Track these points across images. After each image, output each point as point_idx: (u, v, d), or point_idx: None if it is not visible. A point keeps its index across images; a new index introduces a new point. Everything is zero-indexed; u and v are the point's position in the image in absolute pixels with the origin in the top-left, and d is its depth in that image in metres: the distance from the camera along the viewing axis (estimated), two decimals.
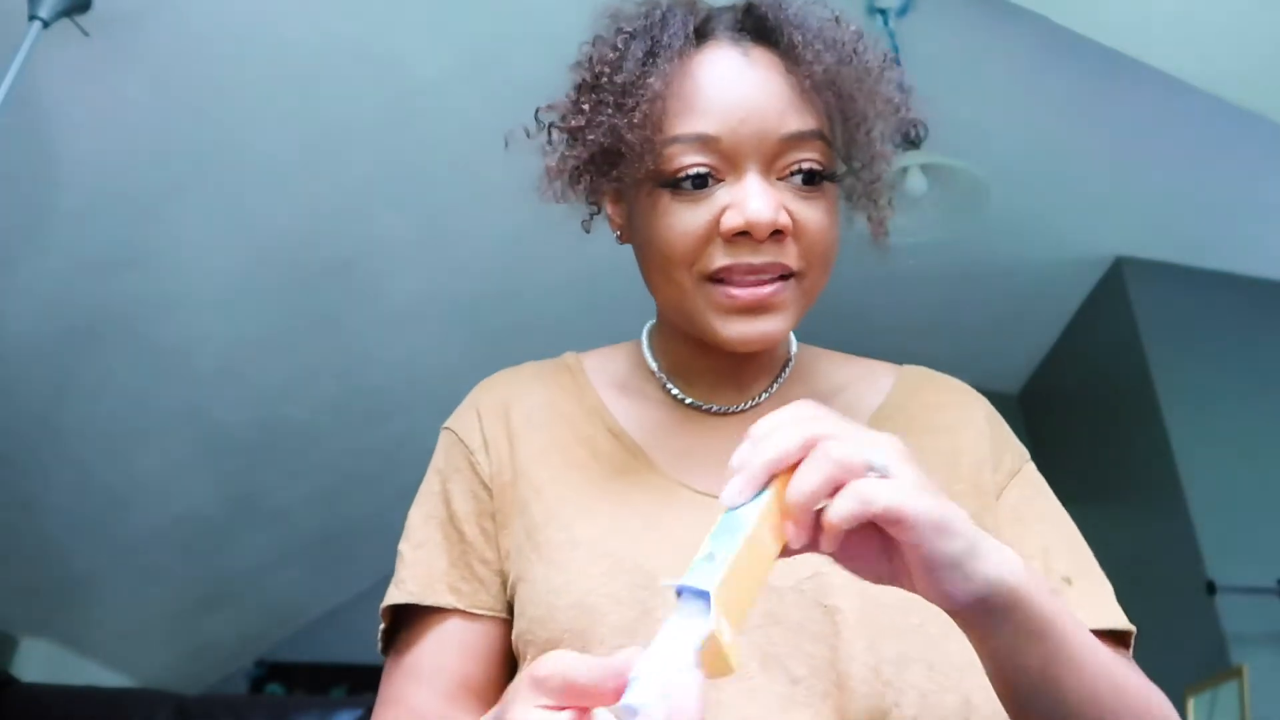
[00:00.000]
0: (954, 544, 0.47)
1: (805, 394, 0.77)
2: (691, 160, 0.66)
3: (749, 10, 0.71)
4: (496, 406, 0.77)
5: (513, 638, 0.69)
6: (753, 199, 0.65)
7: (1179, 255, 3.14)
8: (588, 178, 0.71)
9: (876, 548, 0.49)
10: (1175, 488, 2.77)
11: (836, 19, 0.71)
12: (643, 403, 0.77)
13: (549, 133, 0.73)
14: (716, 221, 0.66)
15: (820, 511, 0.47)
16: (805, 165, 0.67)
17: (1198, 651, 2.56)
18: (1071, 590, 0.69)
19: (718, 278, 0.67)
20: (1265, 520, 2.70)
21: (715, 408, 0.76)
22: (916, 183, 2.16)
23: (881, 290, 3.05)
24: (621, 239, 0.75)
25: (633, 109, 0.66)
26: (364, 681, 3.67)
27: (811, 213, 0.67)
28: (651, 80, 0.66)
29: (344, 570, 3.89)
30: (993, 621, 0.50)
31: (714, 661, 0.44)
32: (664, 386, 0.77)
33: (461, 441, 0.76)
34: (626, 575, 0.64)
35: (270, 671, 4.18)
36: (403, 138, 2.49)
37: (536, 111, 0.74)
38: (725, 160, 0.66)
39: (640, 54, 0.68)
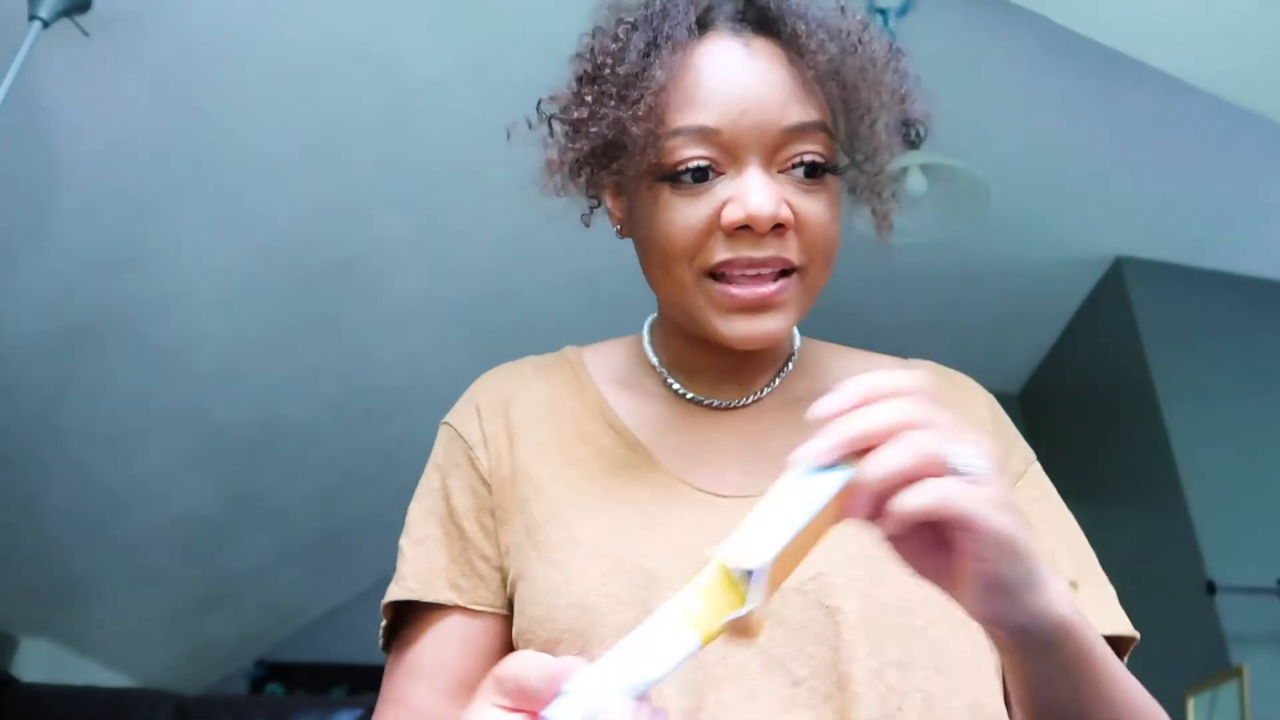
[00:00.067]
0: (1016, 569, 0.46)
1: (809, 389, 0.76)
2: (692, 153, 0.65)
3: (750, 0, 0.70)
4: (496, 402, 0.76)
5: (513, 636, 0.69)
6: (754, 192, 0.64)
7: (1179, 255, 3.14)
8: (588, 170, 0.70)
9: (934, 542, 0.47)
10: (1175, 488, 2.77)
11: (842, 8, 0.70)
12: (644, 398, 0.76)
13: (550, 125, 0.72)
14: (717, 215, 0.65)
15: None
16: (807, 158, 0.66)
17: (1198, 651, 2.56)
18: (1077, 594, 0.68)
19: (718, 273, 0.66)
20: (1265, 520, 2.70)
21: (717, 403, 0.75)
22: (916, 183, 2.16)
23: (881, 290, 3.05)
24: (622, 233, 0.75)
25: (636, 101, 0.65)
26: (364, 681, 3.67)
27: (813, 206, 0.66)
28: (654, 71, 0.65)
29: (344, 570, 3.89)
30: (1034, 652, 0.50)
31: (744, 630, 0.44)
32: (665, 381, 0.77)
33: (461, 437, 0.75)
34: (627, 575, 0.63)
35: (270, 671, 4.18)
36: (403, 138, 2.49)
37: (539, 103, 0.73)
38: (726, 153, 0.65)
39: (642, 45, 0.67)
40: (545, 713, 0.43)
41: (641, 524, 0.67)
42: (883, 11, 2.24)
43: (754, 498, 0.67)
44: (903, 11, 2.25)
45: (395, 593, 0.72)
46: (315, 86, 2.35)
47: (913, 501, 0.44)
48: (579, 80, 0.70)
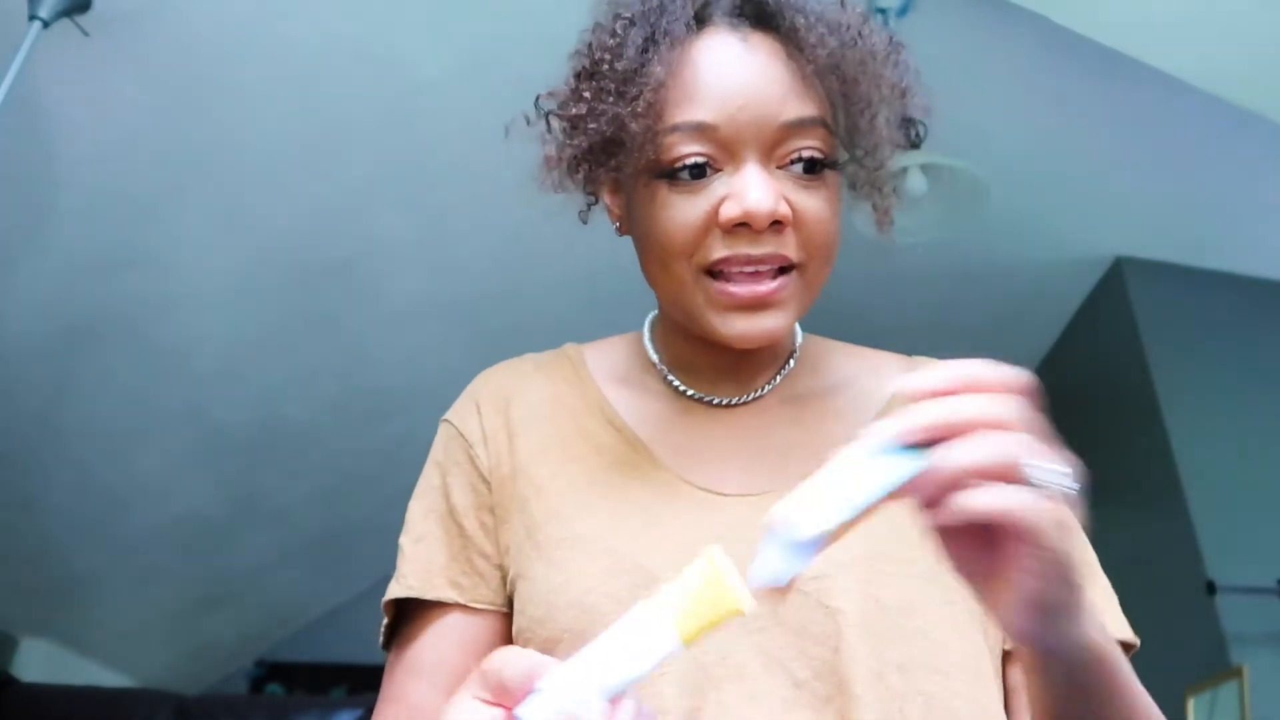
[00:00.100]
0: (1062, 593, 0.45)
1: (812, 386, 0.76)
2: (689, 150, 0.64)
3: None
4: (496, 399, 0.76)
5: (513, 634, 0.68)
6: (751, 189, 0.63)
7: (1179, 255, 3.14)
8: (586, 167, 0.69)
9: (983, 544, 0.46)
10: (1175, 488, 2.77)
11: (841, 2, 0.69)
12: (644, 395, 0.76)
13: (548, 121, 0.71)
14: (715, 212, 0.64)
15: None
16: (806, 153, 0.65)
17: (1198, 651, 2.56)
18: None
19: (716, 270, 0.66)
20: (1265, 520, 2.70)
21: (718, 400, 0.74)
22: (916, 183, 2.16)
23: (881, 290, 3.05)
24: (620, 230, 0.74)
25: (635, 97, 0.64)
26: (364, 681, 3.67)
27: (812, 202, 0.66)
28: (653, 67, 0.65)
29: (344, 570, 3.89)
30: (1059, 674, 0.50)
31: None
32: (665, 379, 0.76)
33: (461, 435, 0.75)
34: (626, 574, 0.63)
35: (270, 671, 4.18)
36: (403, 138, 2.49)
37: (537, 99, 0.72)
38: (723, 149, 0.65)
39: (639, 40, 0.66)
40: (517, 711, 0.43)
41: (642, 523, 0.66)
42: (883, 11, 2.24)
43: (755, 496, 0.67)
44: (903, 11, 2.25)
45: (395, 590, 0.72)
46: (315, 86, 2.35)
47: (980, 501, 0.43)
48: (577, 76, 0.70)
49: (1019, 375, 0.46)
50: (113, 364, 2.79)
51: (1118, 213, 3.02)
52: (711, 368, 0.75)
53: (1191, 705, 2.49)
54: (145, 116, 2.30)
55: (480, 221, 2.67)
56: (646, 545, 0.65)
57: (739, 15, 0.68)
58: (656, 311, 0.79)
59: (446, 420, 0.78)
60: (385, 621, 0.73)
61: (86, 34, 2.02)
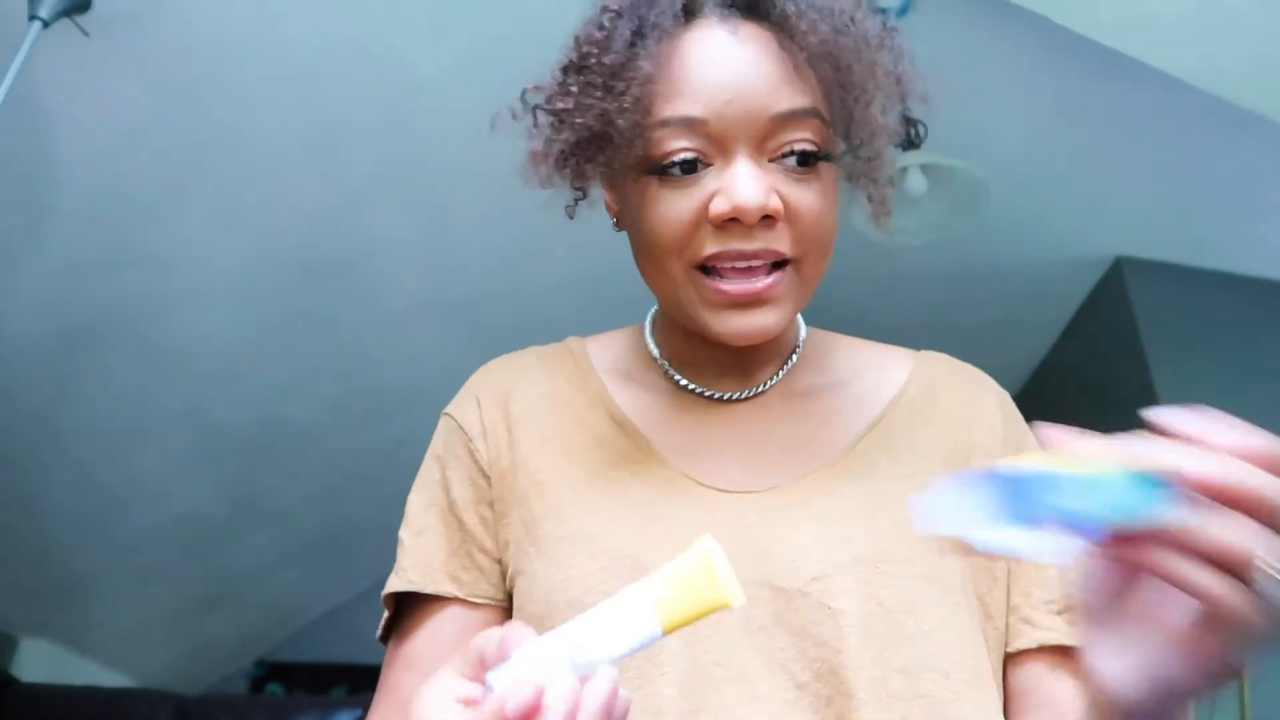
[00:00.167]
0: (1203, 691, 0.42)
1: (815, 381, 0.75)
2: (678, 145, 0.63)
3: None
4: (496, 394, 0.75)
5: None
6: (741, 183, 0.62)
7: (1179, 255, 3.14)
8: (574, 162, 0.68)
9: (1140, 594, 0.43)
10: None
11: None
12: (646, 390, 0.75)
13: (535, 115, 0.70)
14: (705, 207, 0.63)
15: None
16: (798, 146, 0.64)
17: None
18: None
19: (709, 266, 0.65)
20: None
21: (719, 395, 0.73)
22: (916, 183, 2.16)
23: (881, 290, 3.05)
24: (617, 226, 0.73)
25: (622, 92, 0.63)
26: (364, 681, 3.67)
27: (806, 196, 0.64)
28: (641, 62, 0.63)
29: (344, 570, 3.89)
30: None
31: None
32: (666, 373, 0.75)
33: (461, 428, 0.74)
34: (626, 574, 0.63)
35: (270, 671, 4.18)
36: (403, 138, 2.49)
37: (523, 92, 0.71)
38: (714, 144, 0.63)
39: (627, 34, 0.65)
40: (487, 676, 0.43)
41: (642, 520, 0.66)
42: (883, 11, 2.24)
43: (757, 493, 0.67)
44: (903, 11, 2.25)
45: (395, 584, 0.71)
46: (315, 86, 2.35)
47: (1202, 582, 0.38)
48: (564, 70, 0.68)
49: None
50: (113, 364, 2.79)
51: (1118, 213, 3.02)
52: (712, 363, 0.74)
53: (1191, 705, 2.49)
54: (145, 116, 2.30)
55: (480, 221, 2.67)
56: (647, 544, 0.64)
57: (729, 6, 0.66)
58: (658, 306, 0.78)
59: (447, 414, 0.77)
60: (386, 615, 0.72)
61: (86, 34, 2.02)
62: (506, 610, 0.70)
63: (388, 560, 0.75)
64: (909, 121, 2.26)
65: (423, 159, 2.54)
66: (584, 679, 0.42)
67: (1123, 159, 2.80)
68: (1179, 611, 0.41)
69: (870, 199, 0.71)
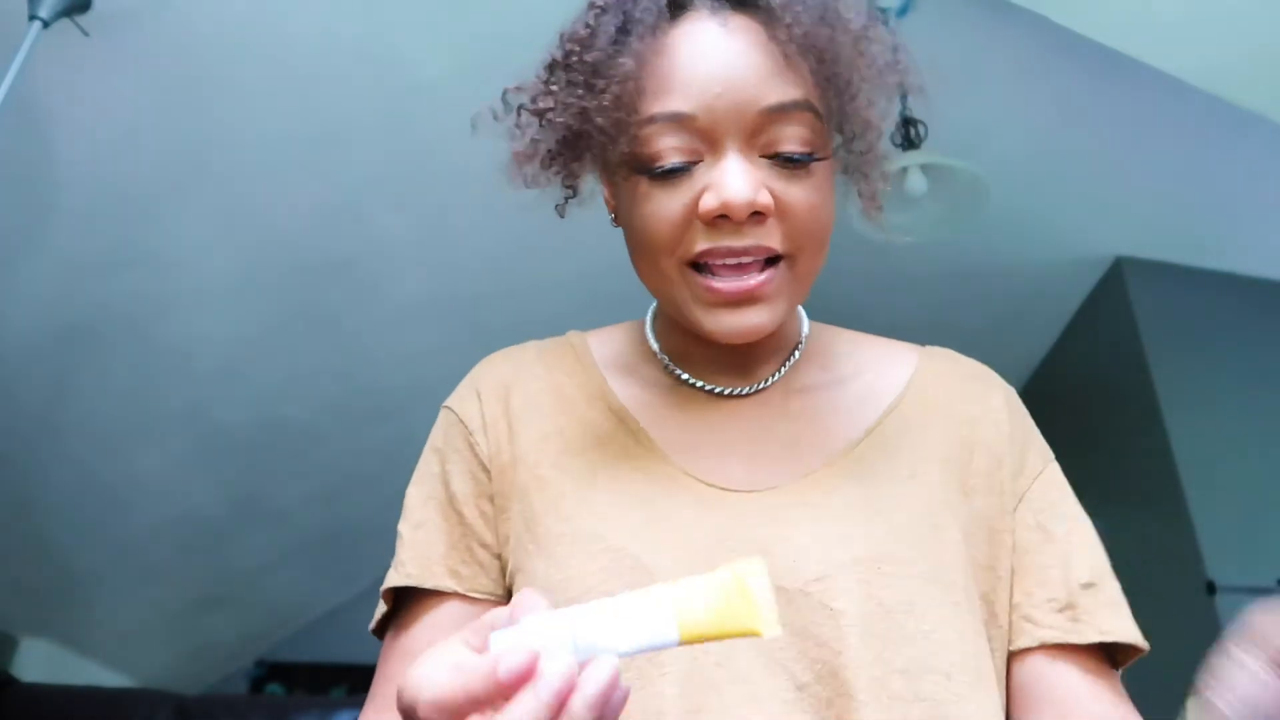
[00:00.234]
0: None
1: (817, 378, 0.74)
2: (668, 143, 0.62)
3: None
4: (497, 388, 0.75)
5: None
6: (730, 179, 0.61)
7: (1179, 255, 3.14)
8: (561, 161, 0.67)
9: None
10: (1175, 488, 2.77)
11: None
12: (647, 384, 0.74)
13: (519, 115, 0.68)
14: (695, 204, 0.62)
15: None
16: (789, 141, 0.62)
17: (1198, 651, 2.55)
18: (1091, 598, 0.66)
19: (701, 263, 0.64)
20: (1265, 520, 2.70)
21: (721, 390, 0.73)
22: (916, 183, 2.16)
23: (881, 290, 3.05)
24: (615, 222, 0.72)
25: (602, 90, 0.62)
26: (364, 681, 3.65)
27: (798, 191, 0.63)
28: (623, 59, 0.62)
29: (344, 570, 3.89)
30: None
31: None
32: (667, 368, 0.74)
33: (461, 422, 0.74)
34: (626, 573, 0.62)
35: (270, 671, 4.18)
36: (403, 138, 2.49)
37: (504, 92, 0.69)
38: (704, 139, 0.62)
39: (612, 30, 0.63)
40: (491, 636, 0.43)
41: (642, 519, 0.65)
42: (883, 11, 2.24)
43: (758, 493, 0.66)
44: (903, 11, 2.25)
45: (394, 579, 0.70)
46: (315, 86, 2.35)
47: None
48: (548, 68, 0.67)
49: None
50: (113, 364, 2.79)
51: (1118, 213, 3.02)
52: (712, 360, 0.73)
53: (1191, 705, 2.49)
54: (145, 116, 2.30)
55: (480, 221, 2.67)
56: (647, 543, 0.64)
57: None
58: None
59: (447, 407, 0.76)
60: (384, 610, 0.71)
61: (86, 34, 2.02)
62: (505, 605, 0.70)
63: (388, 560, 0.74)
64: (909, 121, 2.26)
65: (423, 159, 2.54)
66: (583, 663, 0.41)
67: (1123, 159, 2.80)
68: None
69: (860, 194, 0.70)
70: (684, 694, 0.59)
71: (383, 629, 0.73)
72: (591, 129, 0.63)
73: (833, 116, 0.65)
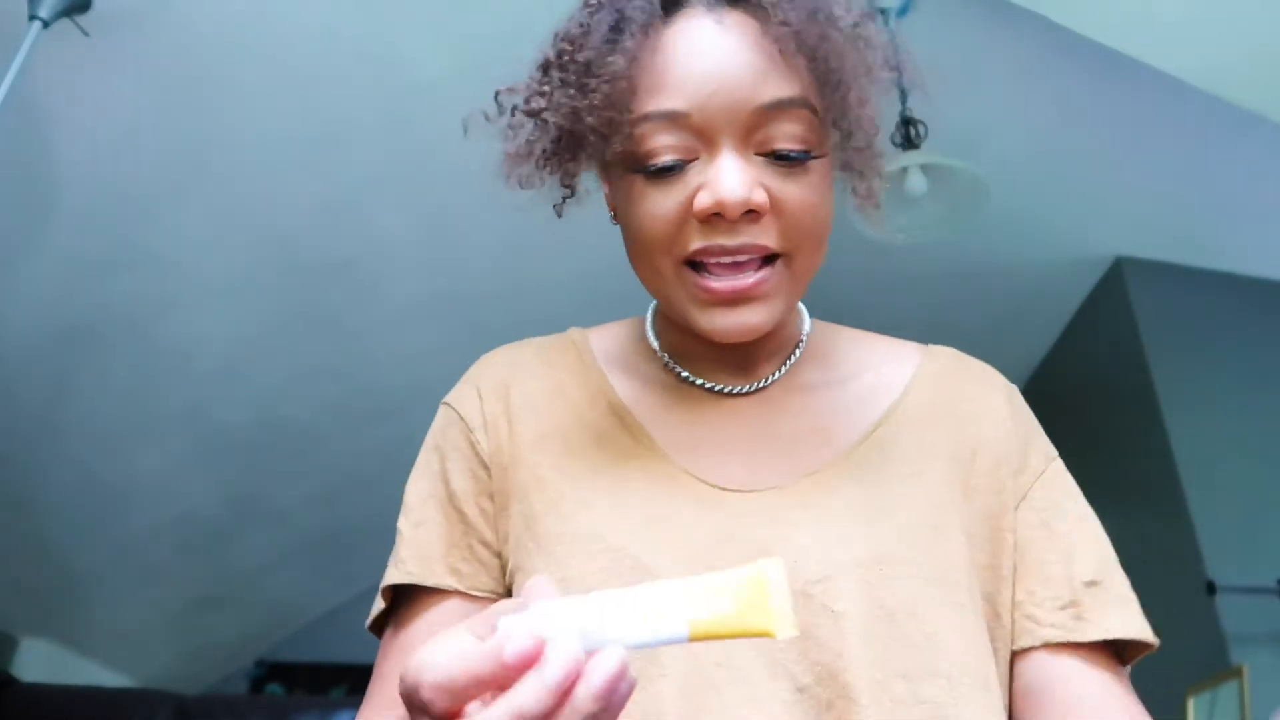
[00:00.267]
0: None
1: (819, 377, 0.74)
2: (662, 141, 0.62)
3: None
4: (497, 385, 0.74)
5: None
6: (724, 177, 0.60)
7: (1179, 255, 3.14)
8: (557, 161, 0.66)
9: None
10: (1175, 488, 2.77)
11: None
12: (647, 381, 0.74)
13: (512, 114, 0.68)
14: (690, 202, 0.62)
15: None
16: (784, 138, 0.62)
17: (1198, 651, 2.56)
18: (1094, 596, 0.66)
19: (697, 262, 0.64)
20: (1265, 520, 2.69)
21: (721, 387, 0.72)
22: (916, 183, 2.16)
23: (881, 290, 3.05)
24: (615, 220, 0.72)
25: (594, 90, 0.62)
26: (364, 681, 3.63)
27: (794, 189, 0.62)
28: (617, 57, 0.61)
29: (344, 570, 3.89)
30: None
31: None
32: (668, 366, 0.74)
33: (462, 419, 0.73)
34: (626, 573, 0.62)
35: (270, 671, 4.18)
36: (403, 138, 2.49)
37: (496, 94, 0.69)
38: (698, 137, 0.61)
39: (606, 28, 0.63)
40: (499, 620, 0.42)
41: (642, 518, 0.65)
42: (883, 11, 2.24)
43: (759, 493, 0.66)
44: (903, 11, 2.25)
45: (394, 576, 0.70)
46: (315, 86, 2.35)
47: None
48: (541, 68, 0.67)
49: None
50: (113, 364, 2.79)
51: (1118, 213, 3.02)
52: (711, 358, 0.73)
53: (1191, 705, 2.49)
54: (145, 116, 2.30)
55: (480, 221, 2.67)
56: (647, 543, 0.63)
57: None
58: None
59: (446, 404, 0.76)
60: (382, 607, 0.71)
61: (86, 34, 2.02)
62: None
63: (387, 560, 0.74)
64: (909, 121, 2.26)
65: (423, 159, 2.54)
66: (589, 652, 0.40)
67: (1123, 159, 2.80)
68: None
69: (856, 192, 0.69)
70: (684, 694, 0.59)
71: (379, 626, 0.72)
72: (585, 128, 0.63)
73: (830, 114, 0.64)
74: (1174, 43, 2.09)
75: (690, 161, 0.62)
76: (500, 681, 0.40)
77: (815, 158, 0.63)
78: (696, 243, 0.63)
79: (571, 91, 0.63)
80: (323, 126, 2.44)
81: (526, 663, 0.39)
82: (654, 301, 0.78)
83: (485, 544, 0.70)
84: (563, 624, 0.41)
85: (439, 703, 0.41)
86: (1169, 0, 1.99)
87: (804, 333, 0.76)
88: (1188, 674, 2.54)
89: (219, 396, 3.01)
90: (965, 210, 2.25)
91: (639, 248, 0.66)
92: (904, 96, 2.10)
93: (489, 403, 0.73)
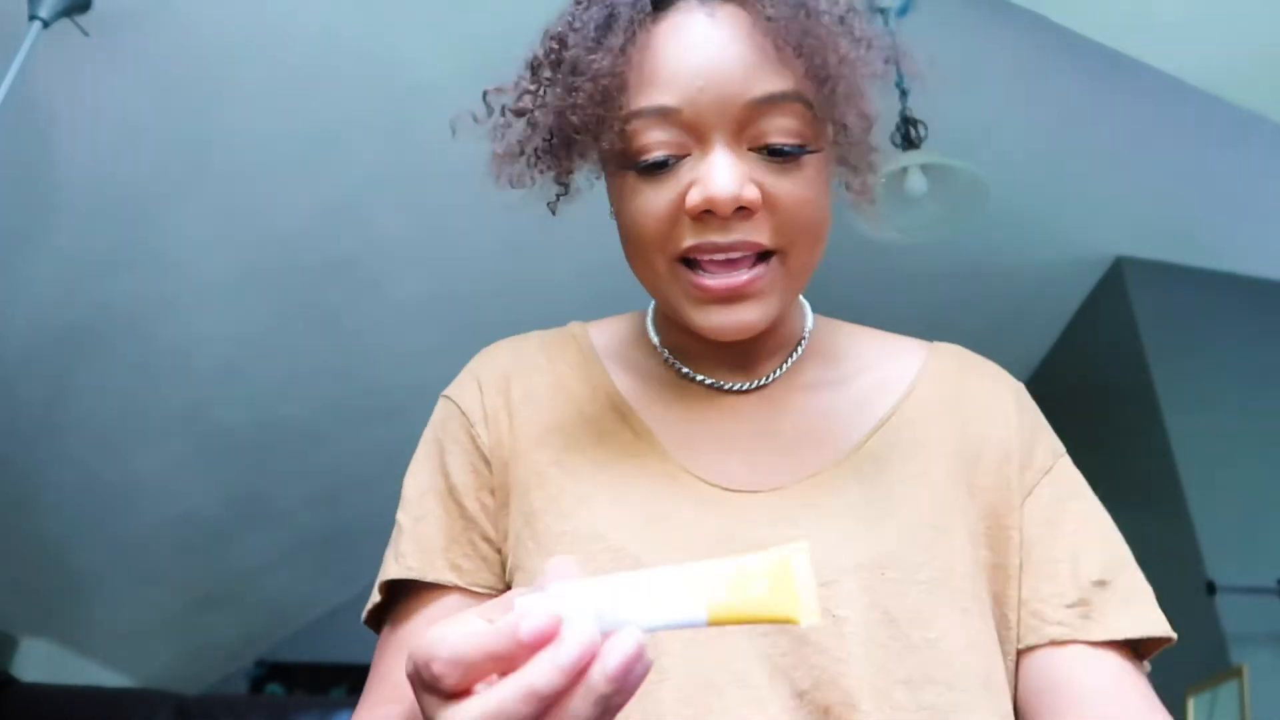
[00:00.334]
0: None
1: (822, 375, 0.73)
2: (654, 137, 0.61)
3: None
4: (498, 379, 0.73)
5: None
6: (716, 174, 0.59)
7: (1179, 255, 3.14)
8: (550, 159, 0.66)
9: None
10: (1175, 488, 2.77)
11: None
12: (648, 377, 0.73)
13: (502, 115, 0.67)
14: (682, 199, 0.61)
15: None
16: (777, 133, 0.61)
17: (1198, 651, 2.56)
18: (1103, 595, 0.65)
19: (691, 259, 0.63)
20: (1265, 520, 2.70)
21: (723, 384, 0.72)
22: (916, 183, 2.16)
23: (882, 290, 3.05)
24: (614, 215, 0.71)
25: (576, 89, 0.61)
26: (364, 681, 3.66)
27: (788, 184, 0.61)
28: (602, 55, 0.61)
29: (344, 570, 3.89)
30: None
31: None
32: (669, 362, 0.73)
33: (462, 412, 0.72)
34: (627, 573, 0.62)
35: (270, 671, 4.18)
36: (403, 138, 2.49)
37: (485, 94, 0.68)
38: (690, 133, 0.61)
39: (596, 24, 0.62)
40: (516, 599, 0.42)
41: (643, 518, 0.64)
42: (883, 11, 2.24)
43: (760, 493, 0.66)
44: (903, 11, 2.25)
45: (395, 570, 0.69)
46: (315, 86, 2.35)
47: None
48: (530, 67, 0.66)
49: None
50: (113, 363, 2.79)
51: (1118, 213, 3.02)
52: (712, 355, 0.72)
53: (1191, 705, 2.49)
54: (145, 116, 2.30)
55: (480, 221, 2.67)
56: (647, 543, 0.63)
57: None
58: None
59: (446, 396, 0.75)
60: (378, 600, 0.70)
61: (86, 34, 2.02)
62: None
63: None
64: (909, 121, 2.26)
65: (423, 159, 2.54)
66: (605, 634, 0.39)
67: (1123, 159, 2.80)
68: None
69: (849, 187, 0.68)
70: (683, 700, 0.58)
71: (374, 620, 0.72)
72: (573, 126, 0.62)
73: (824, 107, 0.63)
74: (1174, 43, 2.09)
75: (683, 158, 0.61)
76: (514, 659, 0.39)
77: (809, 152, 0.62)
78: (689, 240, 0.62)
79: (559, 90, 0.63)
80: (323, 126, 2.44)
81: (542, 641, 0.39)
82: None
83: (486, 539, 0.69)
84: (579, 605, 0.40)
85: (450, 678, 0.40)
86: (1169, 0, 1.99)
87: (806, 330, 0.75)
88: (1188, 674, 2.54)
89: (219, 396, 3.01)
90: (965, 210, 2.25)
91: (633, 245, 0.66)
92: (904, 96, 2.10)
93: (489, 396, 0.73)
